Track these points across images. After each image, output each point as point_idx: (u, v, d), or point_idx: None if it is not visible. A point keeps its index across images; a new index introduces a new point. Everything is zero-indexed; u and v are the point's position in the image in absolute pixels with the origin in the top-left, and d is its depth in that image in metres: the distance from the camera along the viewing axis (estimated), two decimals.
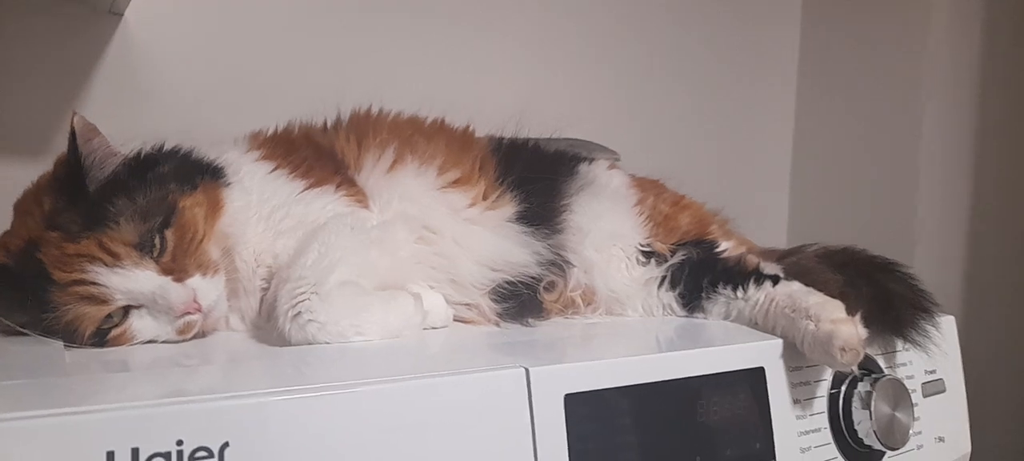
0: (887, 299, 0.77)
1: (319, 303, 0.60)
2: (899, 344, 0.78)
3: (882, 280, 0.80)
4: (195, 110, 1.01)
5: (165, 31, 1.01)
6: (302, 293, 0.60)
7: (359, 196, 0.74)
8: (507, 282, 0.75)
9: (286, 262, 0.65)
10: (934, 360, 0.81)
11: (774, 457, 0.66)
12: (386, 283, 0.67)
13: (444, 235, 0.74)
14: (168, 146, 0.66)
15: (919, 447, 0.78)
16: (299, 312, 0.60)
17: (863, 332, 0.67)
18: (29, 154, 0.92)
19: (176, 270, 0.60)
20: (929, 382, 0.82)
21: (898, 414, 0.73)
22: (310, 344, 0.60)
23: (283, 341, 0.61)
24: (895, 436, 0.72)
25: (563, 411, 0.55)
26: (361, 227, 0.68)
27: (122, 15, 0.98)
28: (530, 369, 0.54)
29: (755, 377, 0.67)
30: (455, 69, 1.21)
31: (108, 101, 0.96)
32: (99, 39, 0.97)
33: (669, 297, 0.82)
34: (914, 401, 0.76)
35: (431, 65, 1.19)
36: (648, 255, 0.83)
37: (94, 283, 0.57)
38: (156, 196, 0.60)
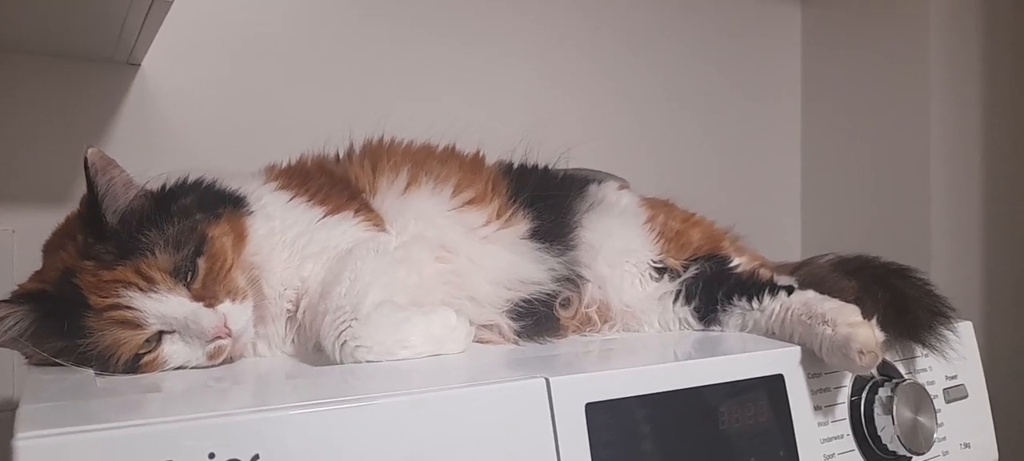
0: (903, 303, 0.78)
1: (361, 327, 0.63)
2: (918, 349, 0.77)
3: (897, 285, 0.81)
4: (213, 151, 1.04)
5: (181, 78, 1.04)
6: (343, 322, 0.63)
7: (377, 220, 0.75)
8: (524, 300, 0.76)
9: (317, 291, 0.67)
10: (954, 365, 0.80)
11: None
12: (416, 301, 0.69)
13: (460, 254, 0.76)
14: (192, 178, 0.68)
15: (945, 453, 0.78)
16: (345, 341, 0.63)
17: (880, 335, 0.68)
18: (52, 202, 0.95)
19: (206, 296, 0.62)
20: (951, 388, 0.81)
21: (921, 418, 0.72)
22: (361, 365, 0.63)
23: (315, 361, 0.64)
24: (919, 440, 0.72)
25: (585, 420, 0.55)
26: (384, 250, 0.71)
27: (139, 65, 1.01)
28: (550, 379, 0.55)
29: (775, 384, 0.67)
30: (461, 99, 1.23)
31: (129, 147, 0.99)
32: (118, 89, 1.01)
33: (685, 311, 0.83)
34: (937, 407, 0.75)
35: (437, 97, 1.22)
36: (661, 271, 0.84)
37: (129, 307, 0.58)
38: (185, 226, 0.62)
